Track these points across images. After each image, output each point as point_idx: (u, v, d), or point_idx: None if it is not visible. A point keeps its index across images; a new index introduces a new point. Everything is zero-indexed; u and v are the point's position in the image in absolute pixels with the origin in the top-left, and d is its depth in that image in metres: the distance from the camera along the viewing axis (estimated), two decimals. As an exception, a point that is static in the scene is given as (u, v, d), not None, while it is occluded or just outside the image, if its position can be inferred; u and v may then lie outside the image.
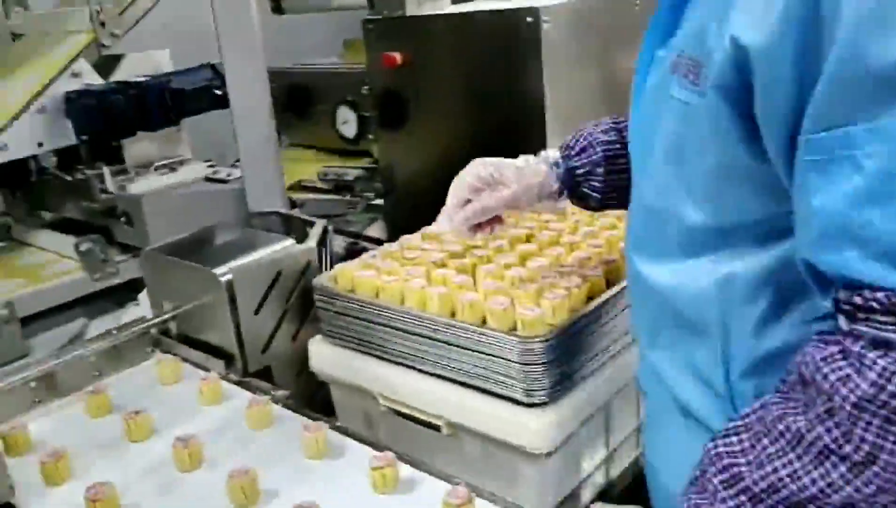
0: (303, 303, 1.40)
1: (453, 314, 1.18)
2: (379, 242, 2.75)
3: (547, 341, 1.09)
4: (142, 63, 2.00)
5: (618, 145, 1.11)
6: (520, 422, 1.11)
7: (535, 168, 1.13)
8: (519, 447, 1.12)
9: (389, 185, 2.25)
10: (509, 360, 1.10)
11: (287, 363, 1.42)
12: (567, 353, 1.12)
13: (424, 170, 2.03)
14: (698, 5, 0.78)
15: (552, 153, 1.15)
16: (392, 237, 2.36)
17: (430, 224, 1.44)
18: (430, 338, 1.19)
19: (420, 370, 1.23)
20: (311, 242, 1.44)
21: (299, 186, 2.61)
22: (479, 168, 1.12)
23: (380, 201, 2.39)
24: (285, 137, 2.93)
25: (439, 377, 1.21)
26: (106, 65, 1.98)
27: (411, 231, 1.51)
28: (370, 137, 2.52)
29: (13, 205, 2.23)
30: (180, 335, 1.53)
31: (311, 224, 1.56)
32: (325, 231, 1.53)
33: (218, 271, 1.35)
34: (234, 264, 1.36)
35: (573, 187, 1.14)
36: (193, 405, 1.32)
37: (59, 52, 1.80)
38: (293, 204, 2.30)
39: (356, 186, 2.62)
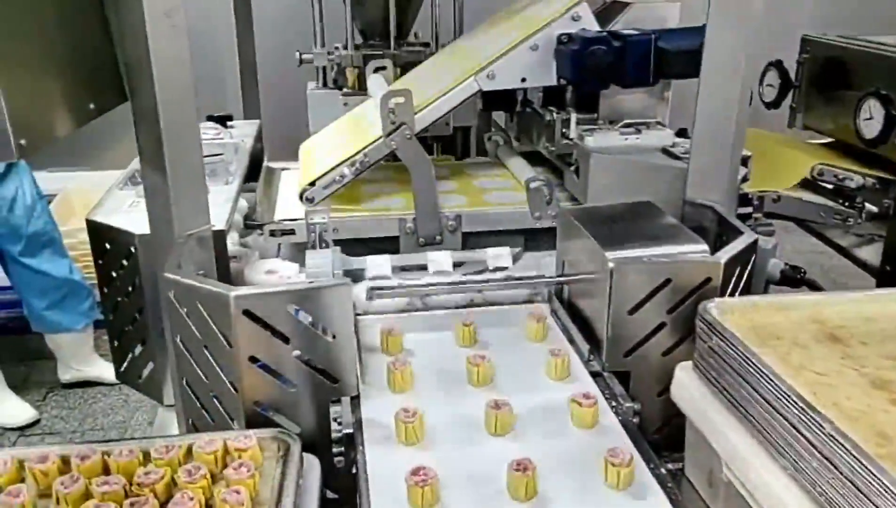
0: (688, 319, 1.21)
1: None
2: (867, 267, 2.30)
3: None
4: (646, 15, 1.90)
5: None
6: None
7: None
8: None
9: (906, 205, 1.90)
10: (888, 516, 0.78)
11: (650, 376, 1.26)
12: None
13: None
14: None
15: None
16: (888, 267, 1.95)
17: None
18: (800, 433, 0.91)
19: (778, 462, 0.96)
20: (723, 256, 1.22)
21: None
22: None
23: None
24: (802, 116, 2.56)
25: (796, 482, 0.93)
26: (607, 12, 1.95)
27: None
28: (896, 142, 2.02)
29: (509, 128, 2.44)
30: (570, 302, 1.50)
31: (740, 234, 1.32)
32: (750, 247, 1.28)
33: (608, 254, 1.25)
34: (625, 253, 1.24)
35: None
36: (539, 374, 1.30)
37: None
38: (760, 199, 2.01)
39: (859, 195, 2.17)
